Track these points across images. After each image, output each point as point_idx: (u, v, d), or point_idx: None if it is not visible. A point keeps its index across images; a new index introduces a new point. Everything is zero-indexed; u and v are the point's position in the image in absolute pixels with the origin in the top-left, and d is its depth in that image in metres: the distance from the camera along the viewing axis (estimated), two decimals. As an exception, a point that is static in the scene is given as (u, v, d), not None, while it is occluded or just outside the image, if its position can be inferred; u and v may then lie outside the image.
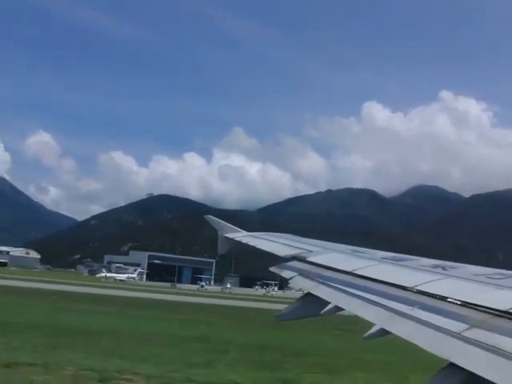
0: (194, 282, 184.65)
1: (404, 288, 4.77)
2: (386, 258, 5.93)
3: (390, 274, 5.38)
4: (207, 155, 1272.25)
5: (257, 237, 8.88)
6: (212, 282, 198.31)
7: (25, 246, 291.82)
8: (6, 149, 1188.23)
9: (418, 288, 4.60)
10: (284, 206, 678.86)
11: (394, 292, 4.81)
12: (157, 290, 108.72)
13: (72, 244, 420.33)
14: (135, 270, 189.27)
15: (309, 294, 5.81)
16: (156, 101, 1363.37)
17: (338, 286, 5.49)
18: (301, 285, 5.98)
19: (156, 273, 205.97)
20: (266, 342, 34.18)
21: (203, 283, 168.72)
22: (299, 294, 6.39)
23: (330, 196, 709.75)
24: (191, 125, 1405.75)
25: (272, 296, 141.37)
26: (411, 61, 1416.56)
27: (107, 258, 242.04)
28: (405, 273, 5.51)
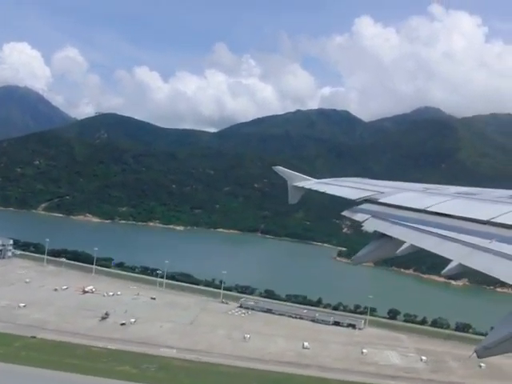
0: None
1: (480, 221, 4.70)
2: (459, 193, 5.80)
3: (464, 208, 5.30)
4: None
5: (327, 183, 8.89)
6: None
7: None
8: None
9: (495, 220, 4.50)
10: (245, 126, 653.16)
11: (469, 226, 4.73)
12: None
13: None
14: None
15: (383, 235, 5.83)
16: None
17: (413, 225, 5.47)
18: (374, 226, 6.00)
19: None
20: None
21: None
22: None
23: (297, 117, 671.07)
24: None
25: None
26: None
27: None
28: (480, 206, 5.39)
